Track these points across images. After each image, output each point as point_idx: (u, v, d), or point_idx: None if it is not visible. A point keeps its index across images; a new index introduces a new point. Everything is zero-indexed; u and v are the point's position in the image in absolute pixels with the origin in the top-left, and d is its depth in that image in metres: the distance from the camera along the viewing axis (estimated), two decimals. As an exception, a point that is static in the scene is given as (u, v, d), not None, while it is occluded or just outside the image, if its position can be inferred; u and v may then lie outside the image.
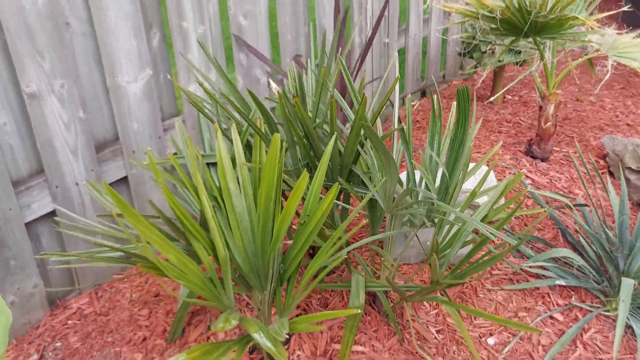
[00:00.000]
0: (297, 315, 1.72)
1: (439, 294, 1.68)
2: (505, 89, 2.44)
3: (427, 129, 3.14)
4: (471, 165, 2.10)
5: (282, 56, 2.67)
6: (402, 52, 3.91)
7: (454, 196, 1.52)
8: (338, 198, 1.63)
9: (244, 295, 1.60)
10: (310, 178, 1.30)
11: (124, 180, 2.07)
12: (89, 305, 1.95)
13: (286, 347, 1.59)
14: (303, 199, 1.44)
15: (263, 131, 1.39)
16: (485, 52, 3.11)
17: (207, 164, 1.60)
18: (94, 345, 1.75)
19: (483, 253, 1.58)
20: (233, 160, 1.40)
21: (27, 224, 1.80)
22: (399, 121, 1.56)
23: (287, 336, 1.62)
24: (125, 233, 1.05)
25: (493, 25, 2.03)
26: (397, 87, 1.66)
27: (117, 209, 1.58)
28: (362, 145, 1.51)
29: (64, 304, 1.95)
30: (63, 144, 1.83)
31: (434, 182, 1.52)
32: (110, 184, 2.02)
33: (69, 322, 1.88)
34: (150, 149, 2.11)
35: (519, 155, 2.58)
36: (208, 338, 1.68)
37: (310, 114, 1.55)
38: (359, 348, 1.58)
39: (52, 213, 1.86)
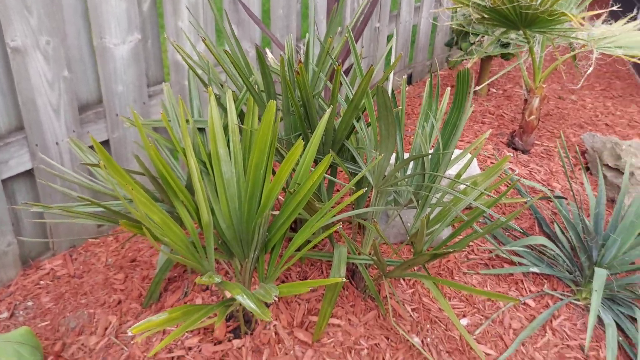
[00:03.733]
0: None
1: (418, 271, 1.71)
2: (491, 79, 2.46)
3: (412, 115, 3.15)
4: (456, 152, 2.13)
5: (272, 30, 2.64)
6: (391, 38, 3.91)
7: (439, 178, 1.53)
8: (326, 172, 1.64)
9: (223, 263, 1.59)
10: (303, 149, 1.30)
11: (106, 143, 2.04)
12: (63, 267, 1.92)
13: (264, 317, 1.59)
14: (293, 170, 1.43)
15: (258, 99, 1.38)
16: (474, 43, 3.14)
17: (197, 129, 1.58)
18: (66, 306, 1.73)
19: (463, 237, 1.60)
20: (225, 127, 1.39)
21: (3, 181, 1.76)
22: (394, 100, 1.56)
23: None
24: (111, 184, 1.03)
25: (483, 15, 2.04)
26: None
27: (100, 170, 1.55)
28: (358, 120, 1.51)
29: (37, 265, 1.91)
30: (45, 102, 1.78)
31: (422, 164, 1.53)
32: (91, 148, 1.99)
33: (42, 282, 1.85)
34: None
35: (501, 146, 2.61)
36: (185, 304, 1.67)
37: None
38: (336, 321, 1.59)
39: (30, 172, 1.82)
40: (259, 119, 1.46)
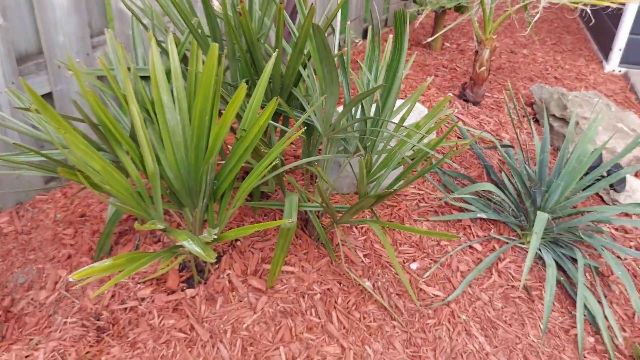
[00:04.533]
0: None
1: (368, 217, 1.74)
2: (443, 31, 2.47)
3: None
4: (401, 102, 2.14)
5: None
6: (345, -9, 3.86)
7: (385, 122, 1.55)
8: (276, 121, 1.63)
9: (175, 215, 1.58)
10: (250, 95, 1.28)
11: (49, 96, 1.96)
12: (9, 224, 1.87)
13: (217, 266, 1.60)
14: (240, 116, 1.42)
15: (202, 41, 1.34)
16: (427, -5, 3.13)
17: (141, 77, 1.54)
18: (14, 262, 1.69)
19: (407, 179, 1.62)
20: (168, 73, 1.36)
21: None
22: (339, 49, 1.55)
23: (217, 255, 1.63)
24: (45, 129, 1.00)
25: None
26: (339, 15, 1.64)
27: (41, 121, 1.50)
28: (305, 67, 1.50)
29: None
30: (-19, 51, 1.70)
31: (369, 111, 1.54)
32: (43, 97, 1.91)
33: (-15, 239, 1.80)
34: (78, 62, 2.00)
35: (453, 98, 2.65)
36: (136, 257, 1.66)
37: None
38: (289, 268, 1.61)
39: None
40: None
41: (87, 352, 1.39)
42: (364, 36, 3.89)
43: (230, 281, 1.56)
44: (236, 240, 1.70)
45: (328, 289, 1.59)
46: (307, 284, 1.59)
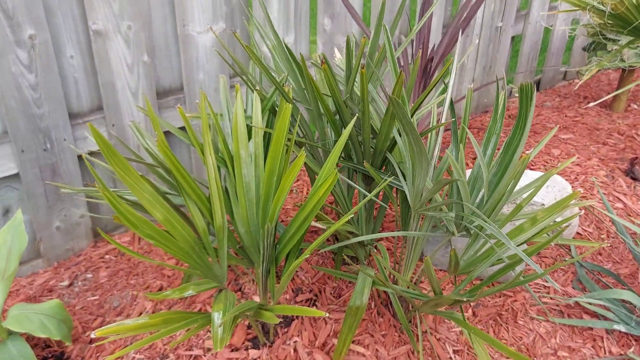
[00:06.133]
0: (294, 299, 1.63)
1: (458, 311, 1.50)
2: (622, 89, 2.10)
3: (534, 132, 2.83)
4: (534, 175, 1.84)
5: (372, 25, 2.51)
6: (517, 40, 3.56)
7: (497, 208, 1.32)
8: (369, 188, 1.49)
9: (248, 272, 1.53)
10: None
11: (184, 130, 2.07)
12: (130, 244, 1.99)
13: (285, 330, 1.51)
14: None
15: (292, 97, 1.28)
16: (610, 51, 2.72)
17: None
18: (117, 284, 1.78)
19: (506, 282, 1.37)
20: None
21: (80, 156, 1.86)
22: (452, 113, 1.37)
23: (281, 319, 1.54)
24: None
25: (601, 21, 1.72)
26: (452, 71, 1.46)
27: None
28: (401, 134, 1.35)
29: (106, 240, 2.01)
30: (124, 85, 1.85)
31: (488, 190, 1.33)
32: (166, 133, 2.03)
33: (107, 256, 1.93)
34: (210, 101, 2.09)
35: (618, 173, 2.23)
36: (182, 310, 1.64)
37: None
38: (360, 349, 1.45)
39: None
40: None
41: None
42: (537, 88, 3.53)
43: (295, 350, 1.45)
44: (314, 303, 1.60)
45: (400, 383, 1.39)
46: (377, 372, 1.41)
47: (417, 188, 1.25)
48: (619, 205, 2.05)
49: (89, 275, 1.85)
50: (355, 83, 1.53)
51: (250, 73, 1.62)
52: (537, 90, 3.52)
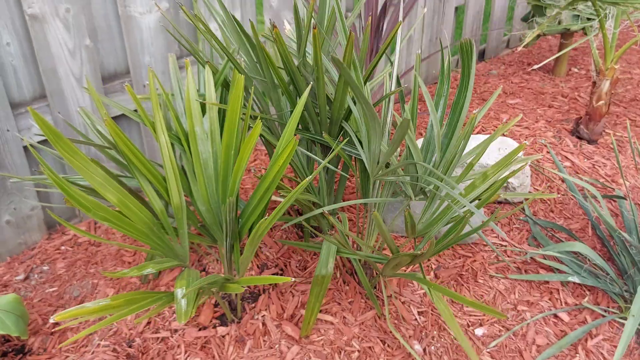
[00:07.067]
0: (261, 273, 1.64)
1: (420, 271, 1.54)
2: (558, 54, 2.16)
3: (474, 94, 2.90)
4: (483, 137, 1.89)
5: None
6: (461, 11, 3.62)
7: (451, 167, 1.35)
8: (329, 156, 1.50)
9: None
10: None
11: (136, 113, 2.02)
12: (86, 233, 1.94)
13: (253, 305, 1.51)
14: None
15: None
16: (549, 17, 2.80)
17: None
18: (76, 274, 1.74)
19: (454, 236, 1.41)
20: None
21: (26, 147, 1.79)
22: (397, 82, 1.39)
23: (255, 294, 1.54)
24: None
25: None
26: (397, 40, 1.47)
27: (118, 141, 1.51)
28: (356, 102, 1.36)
29: (63, 229, 1.95)
30: (67, 71, 1.78)
31: (429, 152, 1.35)
32: (115, 118, 1.97)
33: (62, 247, 1.88)
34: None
35: (564, 133, 2.32)
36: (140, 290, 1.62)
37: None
38: (329, 318, 1.47)
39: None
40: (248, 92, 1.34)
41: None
42: (481, 58, 3.61)
43: (264, 324, 1.45)
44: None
45: (369, 347, 1.42)
46: (346, 339, 1.43)
47: (373, 154, 1.26)
48: (567, 164, 2.13)
49: (46, 268, 1.79)
50: (307, 54, 1.52)
51: (200, 50, 1.59)
52: (483, 59, 3.60)
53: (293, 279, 1.00)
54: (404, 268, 1.61)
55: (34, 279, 1.75)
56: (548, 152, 2.17)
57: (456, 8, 3.25)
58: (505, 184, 1.83)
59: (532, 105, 2.60)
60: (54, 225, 1.96)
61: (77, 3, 1.71)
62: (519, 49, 3.01)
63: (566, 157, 2.16)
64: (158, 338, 1.46)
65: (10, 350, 1.46)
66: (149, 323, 1.51)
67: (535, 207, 1.92)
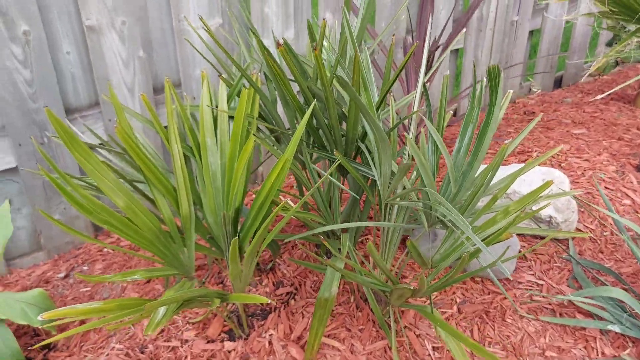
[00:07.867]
0: (274, 293, 1.61)
1: (428, 303, 1.46)
2: (624, 84, 2.00)
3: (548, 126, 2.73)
4: (516, 167, 1.76)
5: (377, 20, 2.48)
6: (536, 35, 3.46)
7: (476, 198, 1.27)
8: (339, 176, 1.47)
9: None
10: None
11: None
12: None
13: (262, 322, 1.49)
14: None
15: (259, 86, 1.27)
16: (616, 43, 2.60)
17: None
18: (110, 276, 1.81)
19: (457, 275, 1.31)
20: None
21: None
22: (428, 105, 1.34)
23: (265, 312, 1.52)
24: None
25: (603, 8, 1.64)
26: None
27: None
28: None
29: (109, 232, 2.04)
30: (120, 81, 1.88)
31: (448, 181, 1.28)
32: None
33: (105, 250, 1.97)
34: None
35: (629, 168, 2.13)
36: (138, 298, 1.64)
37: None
38: (336, 344, 1.42)
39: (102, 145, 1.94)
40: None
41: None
42: (558, 85, 3.42)
43: (270, 343, 1.43)
44: (293, 296, 1.58)
45: (374, 379, 1.36)
46: (350, 367, 1.38)
47: (384, 176, 1.22)
48: (627, 201, 1.94)
49: (85, 268, 1.88)
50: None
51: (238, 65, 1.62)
52: (559, 86, 3.41)
53: (270, 301, 0.98)
54: (415, 299, 1.53)
55: (73, 277, 1.84)
56: (606, 187, 2.00)
57: (531, 32, 3.11)
58: (549, 219, 1.70)
59: (599, 136, 2.41)
60: (101, 227, 2.06)
61: (132, 15, 1.81)
62: (584, 77, 2.82)
63: (626, 194, 1.97)
64: (169, 347, 1.48)
65: (36, 343, 1.54)
66: (162, 330, 1.54)
67: (582, 246, 1.77)
